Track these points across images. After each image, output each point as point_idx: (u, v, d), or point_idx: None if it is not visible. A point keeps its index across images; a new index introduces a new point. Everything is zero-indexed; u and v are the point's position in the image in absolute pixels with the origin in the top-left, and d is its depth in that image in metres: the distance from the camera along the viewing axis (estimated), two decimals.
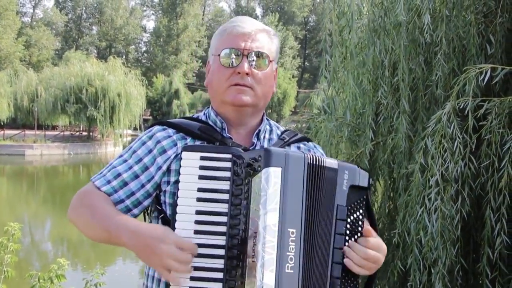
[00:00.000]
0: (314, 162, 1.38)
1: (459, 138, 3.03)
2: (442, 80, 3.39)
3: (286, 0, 66.70)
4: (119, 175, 1.51)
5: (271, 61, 1.58)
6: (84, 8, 67.62)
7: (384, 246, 1.46)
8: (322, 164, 1.40)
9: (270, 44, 1.58)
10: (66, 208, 1.54)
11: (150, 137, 1.56)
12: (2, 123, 34.88)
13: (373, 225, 1.53)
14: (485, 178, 3.09)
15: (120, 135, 35.35)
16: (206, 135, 1.55)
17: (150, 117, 48.83)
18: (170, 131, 1.57)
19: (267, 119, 1.69)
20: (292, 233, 1.32)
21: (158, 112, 48.88)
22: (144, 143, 1.56)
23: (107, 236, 1.41)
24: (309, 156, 1.38)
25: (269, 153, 1.34)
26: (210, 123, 1.60)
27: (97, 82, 33.16)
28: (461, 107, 3.08)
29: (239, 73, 1.51)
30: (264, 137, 1.63)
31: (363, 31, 3.91)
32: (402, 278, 3.54)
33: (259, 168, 1.34)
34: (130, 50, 67.74)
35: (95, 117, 33.19)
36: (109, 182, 1.50)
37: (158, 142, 1.54)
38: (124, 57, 60.64)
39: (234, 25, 1.56)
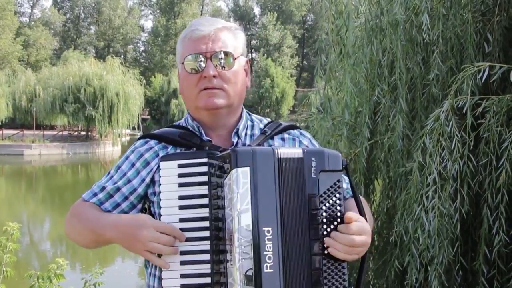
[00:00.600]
0: (282, 156, 1.35)
1: (457, 136, 3.03)
2: (439, 79, 3.39)
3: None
4: (103, 188, 1.57)
5: (236, 58, 1.55)
6: (82, 7, 67.59)
7: (368, 228, 1.40)
8: (289, 156, 1.36)
9: (233, 40, 1.56)
10: (65, 208, 1.58)
11: (133, 151, 1.60)
12: (0, 123, 34.86)
13: (358, 208, 1.48)
14: (483, 176, 3.10)
15: (119, 134, 35.37)
16: (186, 141, 1.55)
17: (149, 117, 48.84)
18: (152, 142, 1.60)
19: (248, 113, 1.67)
20: (268, 231, 1.30)
21: (157, 112, 48.89)
22: (127, 158, 1.60)
23: (95, 236, 1.47)
24: (278, 150, 1.35)
25: (235, 153, 1.32)
26: (190, 128, 1.61)
27: (95, 81, 33.16)
28: (459, 105, 3.09)
29: (205, 77, 1.50)
30: (245, 134, 1.61)
31: (361, 30, 3.91)
32: (400, 276, 3.55)
33: (228, 170, 1.32)
34: (128, 49, 67.73)
35: (94, 117, 33.20)
36: (95, 194, 1.56)
37: (141, 155, 1.58)
38: (122, 56, 60.61)
39: (193, 29, 1.54)
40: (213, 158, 1.40)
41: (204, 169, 1.41)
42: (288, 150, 1.38)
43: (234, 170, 1.31)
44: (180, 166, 1.43)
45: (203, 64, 1.50)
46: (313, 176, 1.36)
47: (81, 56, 43.59)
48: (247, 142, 1.59)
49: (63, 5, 67.68)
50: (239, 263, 1.27)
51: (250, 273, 1.27)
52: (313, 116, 4.48)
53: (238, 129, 1.60)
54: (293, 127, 1.70)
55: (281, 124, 1.67)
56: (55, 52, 59.07)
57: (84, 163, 32.75)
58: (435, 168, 3.01)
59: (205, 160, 1.42)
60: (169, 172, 1.43)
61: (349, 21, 3.61)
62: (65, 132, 40.75)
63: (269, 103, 49.51)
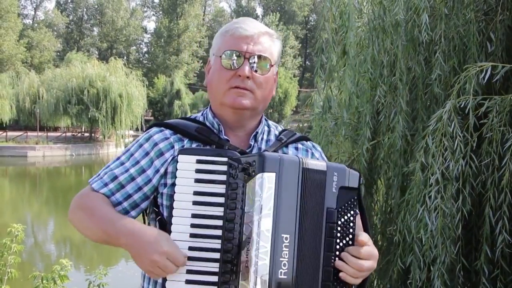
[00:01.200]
0: (308, 166, 1.38)
1: (460, 136, 3.03)
2: (442, 79, 3.39)
3: (286, 0, 66.64)
4: (115, 177, 1.51)
5: (272, 65, 1.57)
6: (85, 9, 67.68)
7: (376, 252, 1.45)
8: (313, 167, 1.39)
9: (272, 48, 1.57)
10: (69, 209, 1.56)
11: (147, 139, 1.56)
12: (4, 125, 34.92)
13: (364, 225, 1.53)
14: (486, 176, 3.09)
15: (122, 136, 35.37)
16: (203, 137, 1.54)
17: (152, 118, 48.84)
18: (167, 132, 1.56)
19: (265, 119, 1.68)
20: (286, 238, 1.32)
21: (160, 113, 48.88)
22: (141, 146, 1.55)
23: (106, 238, 1.43)
24: (303, 160, 1.38)
25: (263, 158, 1.33)
26: (208, 124, 1.59)
27: (98, 83, 33.18)
28: (462, 105, 3.08)
29: (239, 75, 1.51)
30: (262, 138, 1.62)
31: (364, 30, 3.91)
32: (403, 276, 3.54)
33: (253, 173, 1.33)
34: (131, 51, 67.77)
35: (97, 118, 33.22)
36: (106, 184, 1.51)
37: (155, 144, 1.54)
38: (125, 58, 60.66)
39: (237, 27, 1.54)
40: (235, 159, 1.40)
41: (223, 168, 1.41)
42: (313, 161, 1.42)
43: (260, 174, 1.32)
44: (198, 161, 1.43)
45: (240, 63, 1.51)
46: (334, 190, 1.40)
47: (84, 57, 43.63)
48: (263, 147, 1.60)
49: (66, 7, 67.79)
50: (255, 266, 1.28)
51: (265, 277, 1.28)
52: (315, 116, 4.48)
53: (257, 132, 1.60)
54: (306, 139, 1.72)
55: (295, 133, 1.68)
56: (58, 53, 59.15)
57: (87, 164, 32.79)
58: (438, 168, 3.01)
59: (225, 159, 1.42)
60: (187, 166, 1.42)
61: (350, 21, 3.62)
62: (69, 134, 40.80)
63: (272, 103, 49.46)
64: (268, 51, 1.56)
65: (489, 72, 3.01)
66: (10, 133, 36.52)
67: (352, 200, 1.43)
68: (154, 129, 1.58)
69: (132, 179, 1.51)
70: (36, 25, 62.16)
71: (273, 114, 48.26)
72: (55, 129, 41.74)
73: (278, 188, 1.33)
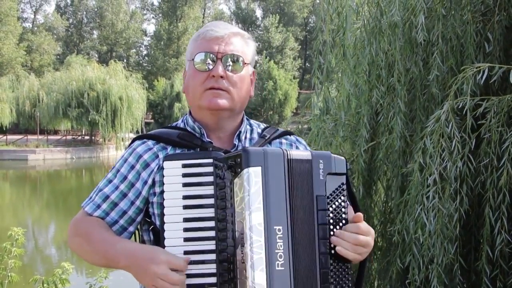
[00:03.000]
0: (292, 157, 1.39)
1: (457, 137, 3.04)
2: (439, 80, 3.40)
3: (286, 2, 66.64)
4: (107, 197, 1.51)
5: (246, 64, 1.57)
6: (84, 12, 67.74)
7: (372, 230, 1.46)
8: (298, 157, 1.40)
9: (244, 47, 1.58)
10: (69, 213, 1.58)
11: (131, 153, 1.56)
12: (4, 129, 34.97)
13: (356, 210, 1.53)
14: (484, 176, 3.10)
15: (122, 138, 35.39)
16: (186, 142, 1.54)
17: (152, 121, 48.84)
18: (150, 143, 1.56)
19: (247, 119, 1.68)
20: (279, 230, 1.33)
21: (160, 115, 48.86)
22: (126, 160, 1.55)
23: (106, 262, 1.45)
24: (287, 151, 1.39)
25: (247, 153, 1.34)
26: (189, 129, 1.59)
27: (98, 86, 33.22)
28: (459, 106, 3.10)
29: (213, 76, 1.51)
30: (245, 137, 1.63)
31: (362, 32, 3.92)
32: (402, 276, 3.55)
33: (239, 170, 1.34)
34: (131, 53, 67.81)
35: (97, 121, 33.25)
36: (99, 206, 1.51)
37: (140, 156, 1.53)
38: (125, 61, 60.70)
39: (208, 30, 1.55)
40: (221, 159, 1.41)
41: (209, 169, 1.42)
42: (297, 152, 1.43)
43: (245, 170, 1.33)
44: (184, 166, 1.43)
45: (212, 64, 1.51)
46: (321, 178, 1.41)
47: (84, 60, 43.60)
48: (247, 145, 1.60)
49: (66, 10, 67.83)
50: (251, 261, 1.29)
51: (262, 271, 1.28)
52: (315, 117, 4.49)
53: (240, 132, 1.61)
54: (290, 133, 1.72)
55: (278, 129, 1.69)
56: (58, 57, 59.19)
57: (88, 167, 32.81)
58: (436, 169, 3.02)
59: (210, 160, 1.42)
60: (173, 172, 1.43)
61: (347, 22, 3.63)
62: (69, 137, 40.85)
63: (272, 105, 49.43)
64: (241, 50, 1.56)
65: (486, 73, 3.02)
66: (10, 137, 36.55)
67: (341, 185, 1.43)
68: (137, 142, 1.58)
69: (124, 195, 1.51)
70: (35, 28, 62.22)
71: (273, 115, 48.26)
72: (55, 132, 41.79)
73: (265, 181, 1.33)
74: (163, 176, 1.43)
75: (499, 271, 3.06)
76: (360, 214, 1.42)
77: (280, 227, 1.33)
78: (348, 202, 1.47)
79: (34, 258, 11.78)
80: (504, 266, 3.05)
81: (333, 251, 1.39)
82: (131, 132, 35.76)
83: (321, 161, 1.42)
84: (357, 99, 3.88)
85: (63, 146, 36.31)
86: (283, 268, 1.31)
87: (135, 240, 1.58)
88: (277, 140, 1.66)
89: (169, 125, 1.69)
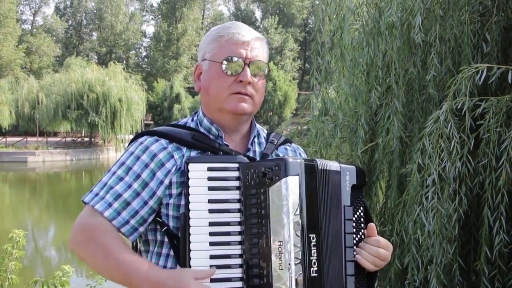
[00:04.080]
0: (324, 168, 1.46)
1: (456, 137, 3.05)
2: (437, 80, 3.41)
3: (285, 3, 66.69)
4: (119, 195, 1.44)
5: (269, 70, 1.60)
6: (84, 14, 67.77)
7: (391, 246, 1.54)
8: (329, 168, 1.48)
9: (265, 53, 1.60)
10: (69, 214, 1.55)
11: (144, 151, 1.49)
12: (4, 131, 34.97)
13: (370, 220, 1.59)
14: (483, 176, 3.11)
15: (122, 140, 35.40)
16: (202, 144, 1.51)
17: (152, 122, 48.83)
18: (164, 142, 1.51)
19: (255, 125, 1.68)
20: (313, 238, 1.39)
21: (159, 117, 48.88)
22: (138, 158, 1.49)
23: (125, 282, 1.38)
24: (320, 162, 1.46)
25: (286, 163, 1.39)
26: (202, 130, 1.57)
27: (98, 88, 33.24)
28: (458, 106, 3.10)
29: (241, 81, 1.51)
30: (254, 141, 1.63)
31: (360, 33, 3.93)
32: (401, 276, 3.56)
33: (277, 178, 1.38)
34: (130, 55, 67.81)
35: (97, 123, 33.27)
36: (110, 205, 1.43)
37: (155, 155, 1.48)
38: (124, 62, 60.72)
39: (233, 32, 1.54)
40: (252, 165, 1.43)
41: (235, 174, 1.43)
42: (328, 162, 1.50)
43: (284, 179, 1.37)
44: (210, 169, 1.42)
45: (241, 69, 1.51)
46: (347, 189, 1.51)
47: (84, 62, 43.64)
48: (257, 149, 1.62)
49: (65, 12, 67.85)
50: (291, 268, 1.34)
51: (300, 277, 1.34)
52: (314, 118, 4.49)
53: (255, 136, 1.63)
54: (290, 141, 1.77)
55: (281, 136, 1.73)
56: (57, 59, 59.17)
57: (87, 169, 32.80)
58: (435, 169, 3.03)
59: (236, 165, 1.43)
60: (199, 175, 1.41)
61: (345, 23, 3.64)
62: (69, 139, 40.85)
63: (272, 106, 49.46)
64: (262, 56, 1.58)
65: (484, 73, 3.03)
66: (10, 139, 36.54)
67: (361, 197, 1.54)
68: (149, 139, 1.52)
69: (137, 194, 1.45)
70: (35, 30, 62.22)
71: (273, 116, 48.27)
72: (55, 134, 41.77)
73: (302, 190, 1.39)
74: (188, 178, 1.39)
75: (497, 271, 3.07)
76: (373, 225, 1.51)
77: (314, 235, 1.40)
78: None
79: (34, 260, 11.78)
80: (503, 267, 3.05)
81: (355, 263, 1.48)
82: (130, 133, 35.77)
83: (347, 173, 1.52)
84: (355, 99, 3.89)
85: (63, 148, 36.31)
86: (316, 275, 1.38)
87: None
88: (283, 146, 1.70)
89: (176, 123, 1.64)
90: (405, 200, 3.34)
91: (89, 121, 33.51)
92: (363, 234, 1.51)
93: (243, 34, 1.54)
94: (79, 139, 41.09)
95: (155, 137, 1.53)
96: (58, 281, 4.25)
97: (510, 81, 3.03)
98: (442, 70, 3.42)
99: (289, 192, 1.36)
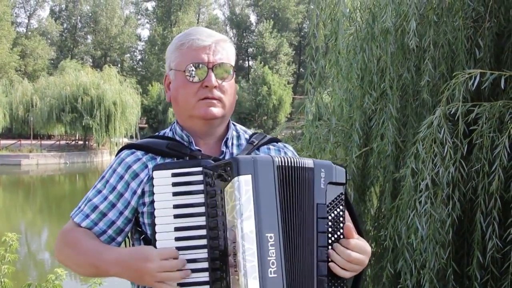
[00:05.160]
0: (285, 164, 1.40)
1: (450, 142, 3.07)
2: (431, 85, 3.43)
3: (280, 7, 66.83)
4: (96, 207, 1.51)
5: (234, 71, 1.60)
6: (79, 17, 67.63)
7: (369, 248, 1.47)
8: (295, 164, 1.41)
9: (229, 53, 1.59)
10: (63, 218, 1.57)
11: (120, 163, 1.56)
12: None
13: (354, 220, 1.55)
14: (476, 182, 3.13)
15: (116, 143, 35.30)
16: (174, 152, 1.54)
17: (146, 125, 48.78)
18: (139, 153, 1.56)
19: (233, 124, 1.69)
20: (271, 237, 1.33)
21: (154, 120, 48.83)
22: (114, 171, 1.55)
23: (95, 271, 1.44)
24: (278, 159, 1.40)
25: (237, 162, 1.35)
26: (177, 138, 1.60)
27: (92, 91, 33.15)
28: (451, 112, 3.12)
29: (206, 86, 1.52)
30: (232, 143, 1.63)
31: (354, 38, 3.95)
32: (394, 281, 3.57)
33: (229, 178, 1.34)
34: (125, 58, 67.73)
35: (91, 126, 33.16)
36: (87, 216, 1.51)
37: (129, 167, 1.54)
38: (119, 65, 60.61)
39: (193, 38, 1.55)
40: (210, 167, 1.41)
41: (199, 177, 1.42)
42: (297, 159, 1.43)
43: (236, 178, 1.33)
44: (174, 175, 1.42)
45: (204, 74, 1.52)
46: (322, 186, 1.43)
47: (78, 65, 43.50)
48: (235, 152, 1.61)
49: (60, 15, 67.69)
50: (244, 269, 1.29)
51: (255, 278, 1.29)
52: (308, 123, 4.51)
53: (227, 138, 1.62)
54: (277, 140, 1.74)
55: (266, 136, 1.70)
56: (52, 61, 58.98)
57: (81, 172, 32.70)
58: (428, 174, 3.04)
59: (199, 169, 1.42)
60: (163, 181, 1.42)
61: (339, 28, 3.65)
62: (63, 142, 40.67)
63: (266, 110, 49.50)
64: (226, 57, 1.57)
65: (478, 79, 3.06)
66: (4, 142, 36.36)
67: (340, 194, 1.46)
68: (125, 152, 1.58)
69: (113, 205, 1.51)
70: (29, 33, 62.03)
71: (267, 121, 48.27)
72: (49, 137, 41.60)
73: (255, 189, 1.34)
74: (153, 186, 1.43)
75: (490, 276, 3.08)
76: (350, 227, 1.43)
77: (272, 235, 1.33)
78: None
79: (27, 264, 11.71)
80: (495, 272, 3.07)
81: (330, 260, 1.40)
82: (125, 137, 35.70)
83: (322, 170, 1.44)
84: (350, 104, 3.90)
85: (57, 151, 36.17)
86: (275, 275, 1.31)
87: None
88: (265, 146, 1.67)
89: (157, 134, 1.69)
90: (398, 204, 3.35)
91: (83, 124, 33.40)
92: (342, 234, 1.43)
93: (203, 39, 1.54)
94: (73, 142, 40.92)
95: (132, 149, 1.58)
96: (51, 284, 4.24)
97: (503, 87, 3.05)
98: (436, 76, 3.44)
99: (240, 192, 1.32)
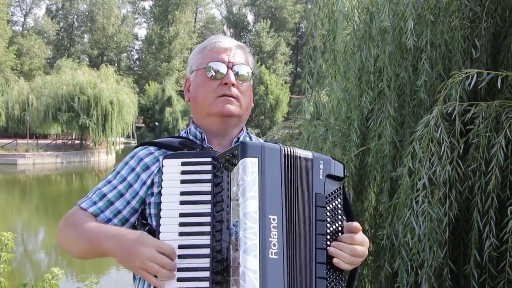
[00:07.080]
0: (290, 153, 1.42)
1: (446, 142, 3.07)
2: (428, 85, 3.44)
3: (277, 7, 66.85)
4: (104, 195, 1.54)
5: (252, 73, 1.65)
6: (75, 16, 67.50)
7: (366, 239, 1.50)
8: (298, 154, 1.44)
9: (248, 59, 1.66)
10: (59, 217, 1.56)
11: (132, 157, 1.60)
12: None
13: (350, 217, 1.56)
14: (473, 181, 3.14)
15: (113, 143, 35.27)
16: (186, 148, 1.57)
17: (143, 125, 48.73)
18: (152, 148, 1.60)
19: (247, 132, 1.73)
20: (274, 219, 1.34)
21: (151, 120, 48.76)
22: (126, 163, 1.59)
23: (89, 247, 1.44)
24: (284, 147, 1.42)
25: (245, 145, 1.37)
26: (191, 137, 1.64)
27: (89, 90, 33.07)
28: (448, 111, 3.13)
29: (225, 84, 1.57)
30: None
31: (352, 37, 3.95)
32: (391, 280, 3.57)
33: (236, 161, 1.37)
34: (122, 58, 67.64)
35: (88, 125, 33.09)
36: (95, 203, 1.53)
37: (141, 159, 1.58)
38: (116, 65, 60.59)
39: (215, 41, 1.63)
40: (219, 155, 1.43)
41: (208, 167, 1.44)
42: (298, 150, 1.46)
43: (242, 160, 1.35)
44: (183, 164, 1.46)
45: (224, 72, 1.58)
46: (321, 177, 1.45)
47: (75, 64, 43.40)
48: None
49: (57, 13, 67.54)
50: (244, 246, 1.29)
51: (256, 257, 1.29)
52: (305, 122, 4.51)
53: (239, 137, 1.65)
54: None
55: (276, 143, 1.73)
56: (48, 61, 58.88)
57: (78, 172, 32.64)
58: (425, 173, 3.05)
59: (209, 159, 1.45)
60: (172, 169, 1.45)
61: (337, 27, 3.66)
62: (59, 141, 40.56)
63: (264, 110, 49.55)
64: (246, 61, 1.64)
65: (474, 79, 3.06)
66: None
67: (339, 189, 1.49)
68: (139, 148, 1.63)
69: (121, 195, 1.54)
70: (26, 32, 61.86)
71: (264, 120, 48.29)
72: (45, 136, 41.50)
73: (261, 172, 1.35)
74: (162, 173, 1.45)
75: (487, 275, 3.09)
76: (357, 225, 1.45)
77: (275, 217, 1.34)
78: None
79: (23, 263, 11.69)
80: (493, 270, 3.08)
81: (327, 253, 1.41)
82: (122, 136, 35.64)
83: (321, 162, 1.47)
84: (347, 104, 3.91)
85: (53, 150, 36.05)
86: (276, 257, 1.31)
87: None
88: None
89: (173, 134, 1.74)
90: (395, 203, 3.36)
91: (80, 123, 33.33)
92: (340, 226, 1.46)
93: (224, 41, 1.63)
94: (70, 142, 40.82)
95: (146, 145, 1.63)
96: (48, 284, 4.23)
97: (499, 87, 3.06)
98: (433, 75, 3.45)
99: (246, 173, 1.33)
